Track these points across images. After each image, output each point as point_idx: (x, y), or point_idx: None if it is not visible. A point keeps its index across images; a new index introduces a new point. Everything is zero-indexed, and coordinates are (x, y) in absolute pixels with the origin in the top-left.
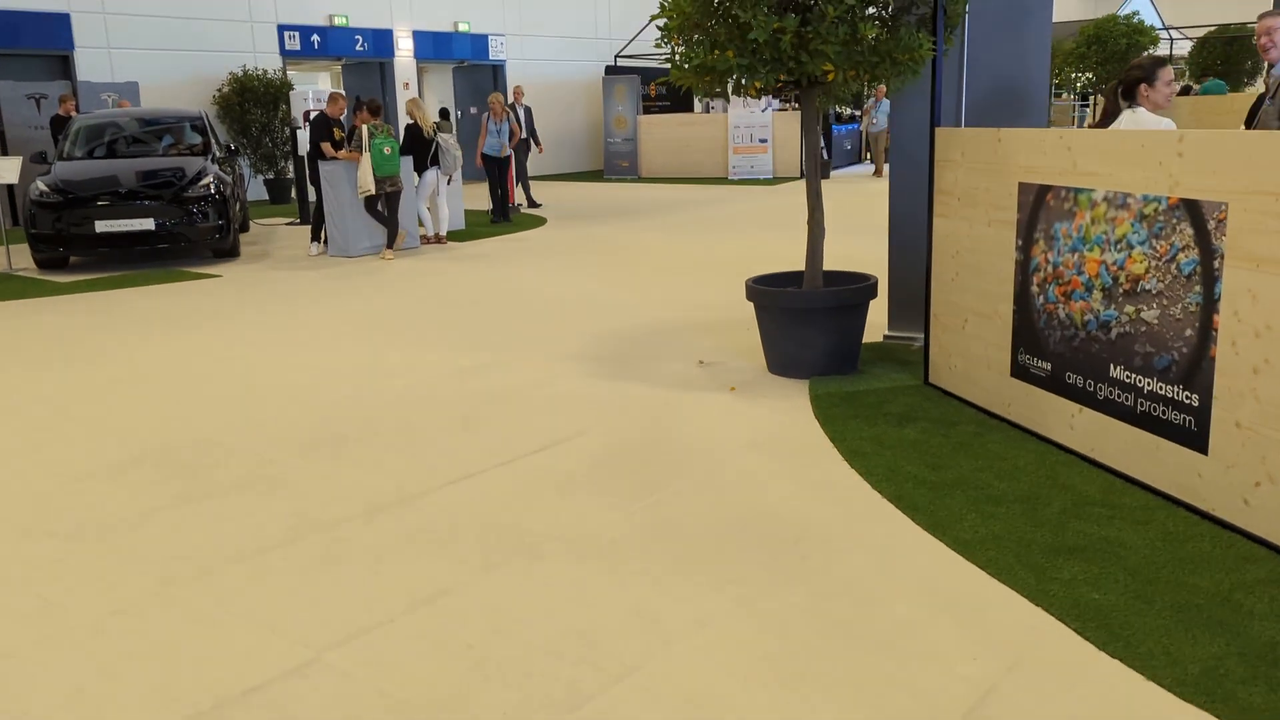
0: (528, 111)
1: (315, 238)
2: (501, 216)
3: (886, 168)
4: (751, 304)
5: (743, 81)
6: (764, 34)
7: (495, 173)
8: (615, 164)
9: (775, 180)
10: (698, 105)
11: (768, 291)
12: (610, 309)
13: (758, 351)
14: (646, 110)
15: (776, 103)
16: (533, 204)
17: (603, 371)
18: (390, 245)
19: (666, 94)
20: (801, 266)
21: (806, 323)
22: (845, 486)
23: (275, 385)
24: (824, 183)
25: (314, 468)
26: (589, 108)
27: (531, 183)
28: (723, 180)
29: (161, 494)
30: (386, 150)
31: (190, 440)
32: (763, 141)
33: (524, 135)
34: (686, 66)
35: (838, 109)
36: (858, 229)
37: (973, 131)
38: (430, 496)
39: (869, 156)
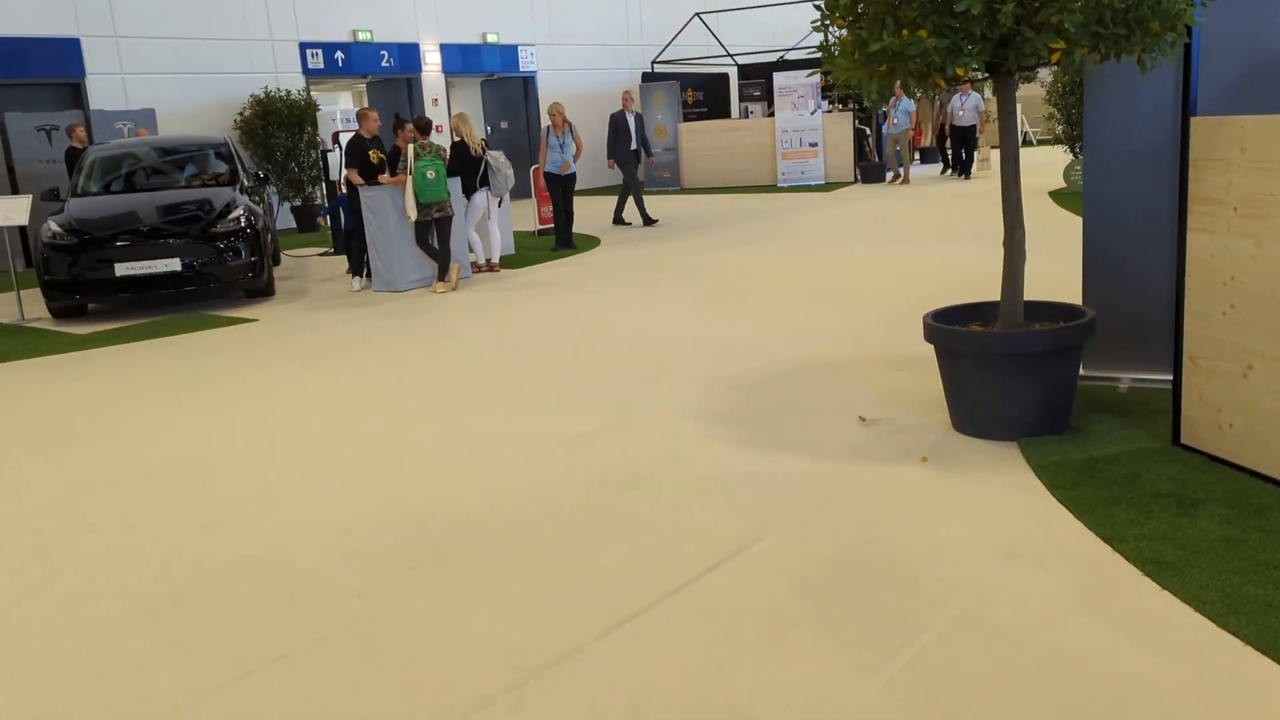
0: (638, 119)
1: (357, 271)
2: (564, 243)
3: (913, 170)
4: (929, 344)
5: (942, 67)
6: (978, 5)
7: (559, 193)
8: (656, 175)
9: (829, 186)
10: (735, 110)
11: (962, 334)
12: (717, 347)
13: (926, 401)
14: (686, 117)
15: (826, 104)
16: (648, 221)
17: (745, 437)
18: (442, 278)
19: (704, 100)
20: (924, 288)
21: (1014, 371)
22: (1180, 625)
23: (341, 470)
24: (879, 186)
25: (418, 604)
26: None
27: (576, 198)
28: (772, 188)
29: (216, 657)
30: (430, 174)
31: (244, 560)
32: (813, 145)
33: (634, 146)
34: (855, 55)
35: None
36: (959, 236)
37: (1263, 120)
38: (589, 654)
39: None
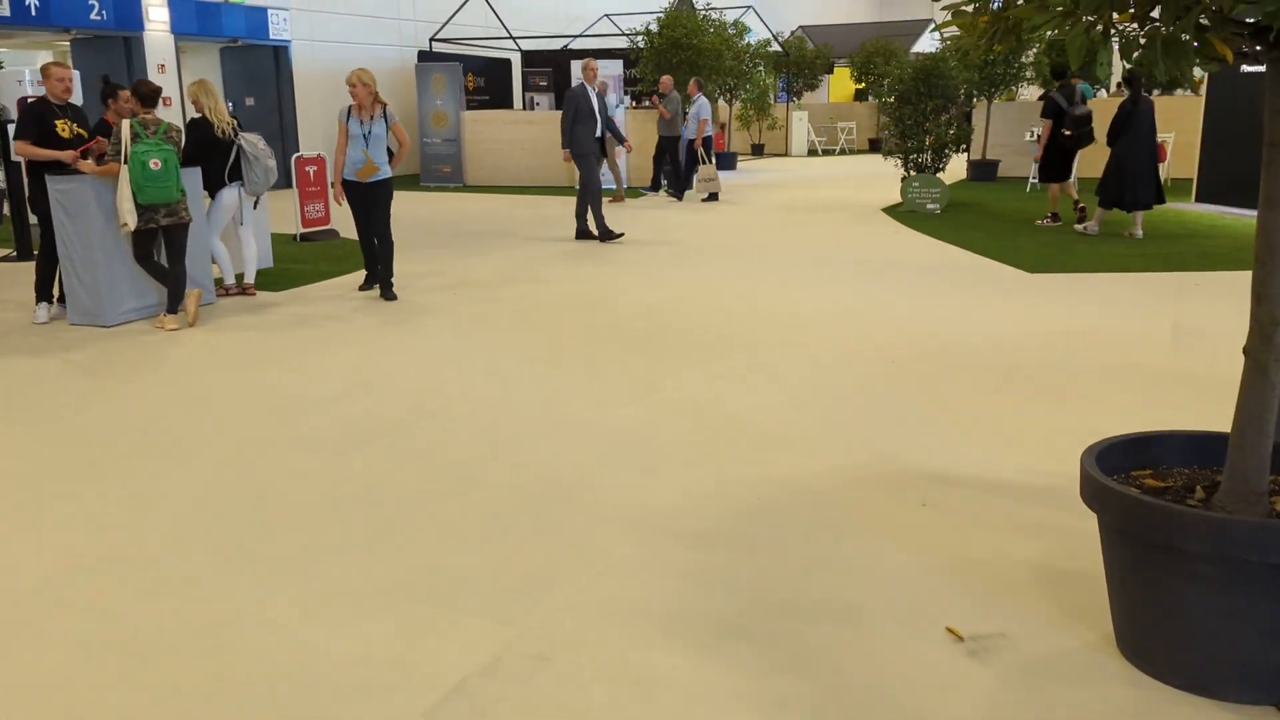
0: (601, 99)
1: (44, 295)
2: (375, 285)
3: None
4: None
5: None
6: None
7: (362, 209)
8: (434, 169)
9: (633, 192)
10: (518, 100)
11: (1197, 520)
12: (623, 449)
13: (1027, 583)
14: (468, 105)
15: (629, 99)
16: (608, 235)
17: (769, 686)
18: (174, 309)
19: (485, 86)
20: (854, 338)
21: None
22: None
23: None
24: (704, 202)
25: None
26: (399, 101)
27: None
28: (570, 190)
29: None
30: (155, 163)
31: None
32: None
33: (599, 132)
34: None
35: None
36: (830, 262)
37: None
38: None
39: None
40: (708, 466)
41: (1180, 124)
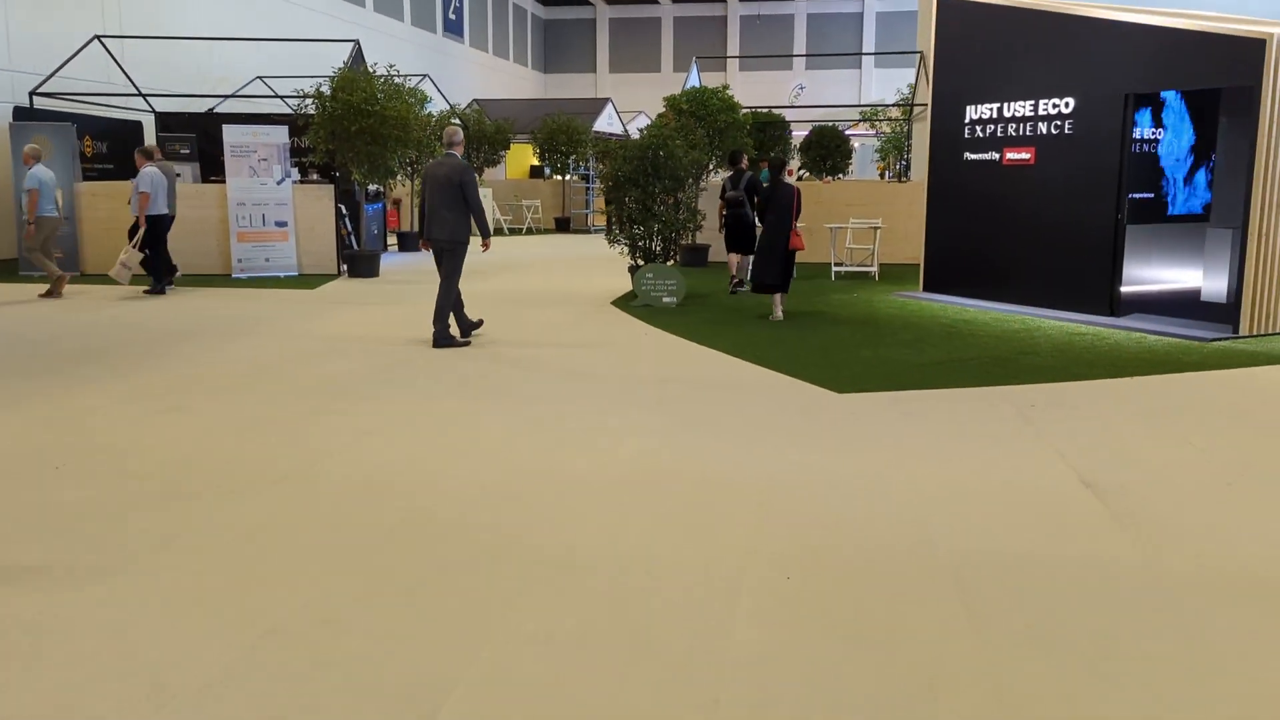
0: None
1: None
2: None
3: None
4: None
5: None
6: None
7: None
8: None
9: (309, 280)
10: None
11: None
12: None
13: None
14: (85, 175)
15: (296, 172)
16: (472, 327)
17: None
18: None
19: (109, 153)
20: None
21: None
22: None
23: None
24: (360, 283)
25: None
26: None
27: None
28: (225, 279)
29: None
30: None
31: None
32: (281, 225)
33: None
34: None
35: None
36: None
37: None
38: None
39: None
40: None
41: (892, 209)
